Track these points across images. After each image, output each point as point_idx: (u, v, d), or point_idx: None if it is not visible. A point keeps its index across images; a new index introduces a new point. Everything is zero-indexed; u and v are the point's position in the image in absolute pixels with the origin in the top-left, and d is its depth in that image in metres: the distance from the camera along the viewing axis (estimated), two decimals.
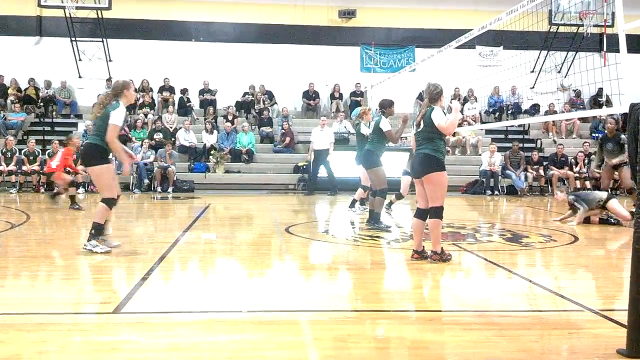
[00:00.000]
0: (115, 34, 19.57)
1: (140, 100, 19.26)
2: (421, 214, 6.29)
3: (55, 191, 11.85)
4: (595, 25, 18.93)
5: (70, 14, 18.38)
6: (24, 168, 15.58)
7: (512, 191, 16.33)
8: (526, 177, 16.62)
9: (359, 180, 10.64)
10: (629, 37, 5.33)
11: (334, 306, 4.66)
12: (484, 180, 16.61)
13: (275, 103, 19.93)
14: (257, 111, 19.37)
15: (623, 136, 10.08)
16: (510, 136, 19.18)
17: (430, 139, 6.16)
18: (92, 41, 19.50)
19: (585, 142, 17.88)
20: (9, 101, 18.82)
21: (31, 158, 15.82)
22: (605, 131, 11.26)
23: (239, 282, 5.60)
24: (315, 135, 15.79)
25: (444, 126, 6.12)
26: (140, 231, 9.13)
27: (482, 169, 16.81)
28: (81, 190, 15.29)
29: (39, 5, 18.49)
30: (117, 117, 6.49)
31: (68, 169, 12.25)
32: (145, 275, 5.46)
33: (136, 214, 12.05)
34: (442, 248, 6.19)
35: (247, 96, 19.76)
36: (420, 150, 6.23)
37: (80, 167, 12.41)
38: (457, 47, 9.66)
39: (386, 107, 8.70)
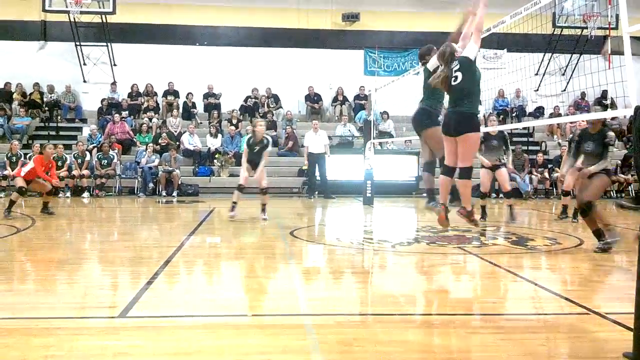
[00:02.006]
0: (119, 38, 19.64)
1: (145, 105, 19.33)
2: (449, 171, 6.14)
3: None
4: (599, 28, 18.88)
5: (74, 18, 18.44)
6: None
7: (517, 194, 16.28)
8: (531, 180, 16.57)
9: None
10: (634, 40, 5.31)
11: (339, 310, 4.65)
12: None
13: (281, 107, 19.94)
14: (261, 115, 19.39)
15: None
16: (514, 139, 19.14)
17: (469, 94, 5.83)
18: (97, 45, 19.57)
19: None
20: (14, 106, 18.90)
21: None
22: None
23: (243, 286, 5.60)
24: (309, 139, 15.77)
25: (479, 22, 5.84)
26: (145, 235, 9.16)
27: None
28: (86, 194, 15.41)
29: (44, 10, 18.54)
30: None
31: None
32: (150, 280, 5.46)
33: (141, 218, 12.08)
34: (472, 208, 6.19)
35: (249, 100, 19.77)
36: (457, 108, 5.84)
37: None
38: None
39: (425, 55, 7.01)
